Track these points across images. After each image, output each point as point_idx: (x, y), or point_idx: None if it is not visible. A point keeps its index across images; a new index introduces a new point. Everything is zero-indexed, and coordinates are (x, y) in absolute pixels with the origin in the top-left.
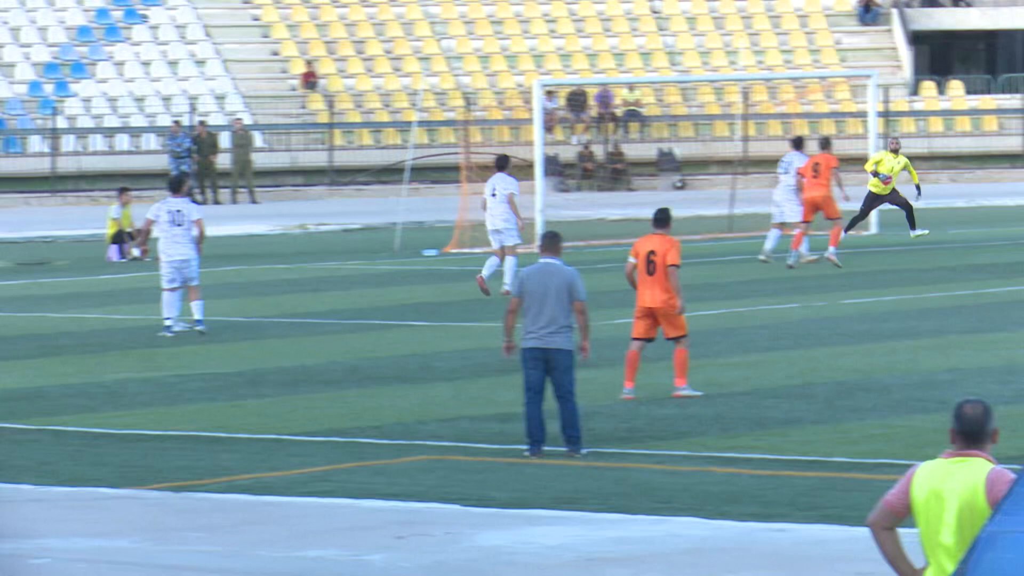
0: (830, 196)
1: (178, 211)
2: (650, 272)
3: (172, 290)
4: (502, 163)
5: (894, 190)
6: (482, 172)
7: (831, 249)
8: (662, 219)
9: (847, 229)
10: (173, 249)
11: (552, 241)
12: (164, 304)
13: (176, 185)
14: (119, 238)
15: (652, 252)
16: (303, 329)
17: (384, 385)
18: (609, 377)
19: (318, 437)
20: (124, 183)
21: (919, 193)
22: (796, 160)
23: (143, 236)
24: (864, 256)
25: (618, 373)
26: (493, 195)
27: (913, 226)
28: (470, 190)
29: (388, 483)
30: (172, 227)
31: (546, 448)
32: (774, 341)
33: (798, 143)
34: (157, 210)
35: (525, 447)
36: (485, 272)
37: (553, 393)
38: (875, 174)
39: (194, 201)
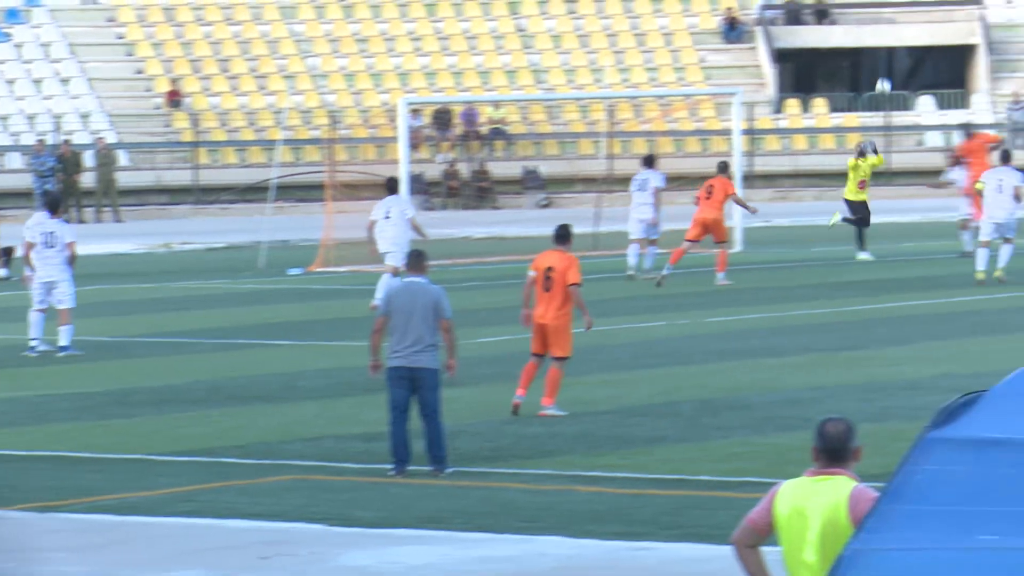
0: (720, 219)
1: (51, 233)
2: (547, 288)
3: (41, 311)
4: (394, 185)
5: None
6: (346, 190)
7: (719, 275)
8: (562, 235)
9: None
10: (43, 270)
11: (417, 260)
12: (30, 324)
13: (53, 205)
14: None
15: (551, 268)
16: (168, 348)
17: (248, 404)
18: (475, 396)
19: (183, 457)
20: None
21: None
22: (652, 178)
23: (28, 260)
24: (727, 274)
25: (484, 392)
26: (387, 217)
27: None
28: (335, 208)
29: (252, 503)
30: (45, 249)
31: (411, 467)
32: (638, 359)
33: (649, 161)
34: (33, 232)
35: (390, 466)
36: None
37: (419, 412)
38: (868, 170)
39: (66, 222)
